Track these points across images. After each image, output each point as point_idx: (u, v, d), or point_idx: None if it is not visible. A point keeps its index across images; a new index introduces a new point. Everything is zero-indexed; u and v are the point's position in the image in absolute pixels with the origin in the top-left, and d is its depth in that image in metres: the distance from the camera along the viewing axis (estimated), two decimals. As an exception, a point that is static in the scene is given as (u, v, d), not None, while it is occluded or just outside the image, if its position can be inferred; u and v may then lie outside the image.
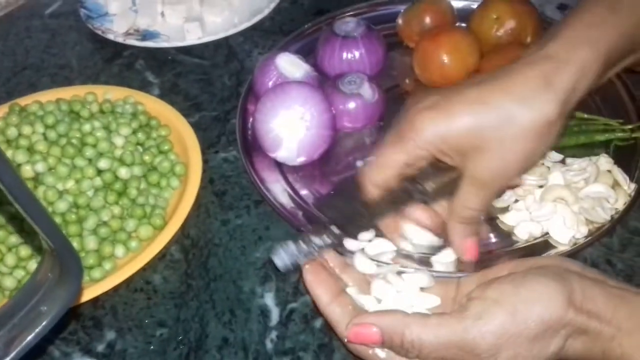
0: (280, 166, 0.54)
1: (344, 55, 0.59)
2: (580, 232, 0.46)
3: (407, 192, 0.44)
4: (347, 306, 0.39)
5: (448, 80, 0.58)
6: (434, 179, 0.44)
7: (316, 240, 0.42)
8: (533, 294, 0.35)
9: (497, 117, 0.39)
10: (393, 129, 0.44)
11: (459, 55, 0.58)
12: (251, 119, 0.57)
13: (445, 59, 0.57)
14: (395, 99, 0.59)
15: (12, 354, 0.28)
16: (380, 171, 0.43)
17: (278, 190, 0.52)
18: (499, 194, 0.43)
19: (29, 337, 0.29)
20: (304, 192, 0.52)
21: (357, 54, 0.59)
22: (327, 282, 0.40)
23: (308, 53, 0.62)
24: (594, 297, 0.35)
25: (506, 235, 0.48)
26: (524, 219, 0.48)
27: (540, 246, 0.47)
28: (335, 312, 0.39)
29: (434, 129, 0.40)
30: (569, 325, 0.35)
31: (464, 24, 0.63)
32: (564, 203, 0.47)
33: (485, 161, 0.40)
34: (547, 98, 0.39)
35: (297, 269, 0.42)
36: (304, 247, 0.42)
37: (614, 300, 0.36)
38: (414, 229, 0.45)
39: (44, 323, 0.29)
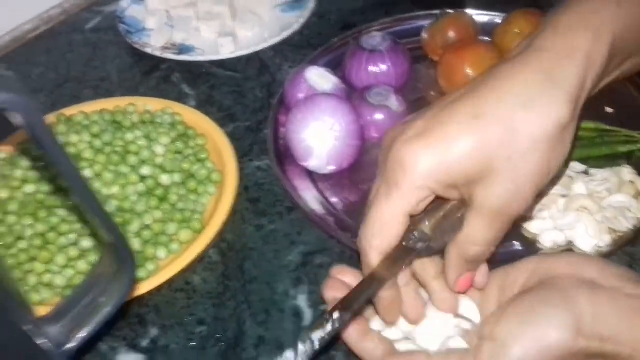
0: (311, 174, 0.57)
1: (371, 68, 0.62)
2: (603, 241, 0.48)
3: (404, 246, 0.37)
4: (375, 340, 0.39)
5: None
6: (429, 217, 0.37)
7: (317, 335, 0.36)
8: (540, 330, 0.34)
9: (499, 130, 0.33)
10: (379, 177, 0.37)
11: (483, 68, 0.60)
12: (283, 130, 0.60)
13: (470, 71, 0.60)
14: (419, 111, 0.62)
15: (75, 341, 0.31)
16: (383, 234, 0.36)
17: (309, 197, 0.55)
18: (512, 225, 0.36)
19: (90, 326, 0.31)
20: (334, 199, 0.55)
21: (383, 67, 0.62)
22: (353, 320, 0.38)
23: (336, 66, 0.64)
24: (605, 319, 0.34)
25: (531, 243, 0.50)
26: (548, 227, 0.50)
27: (564, 253, 0.49)
28: (365, 349, 0.38)
29: (429, 161, 0.34)
30: (581, 354, 0.34)
31: (487, 38, 0.66)
32: (587, 212, 0.49)
33: (494, 186, 0.34)
34: (554, 98, 0.33)
35: None
36: (306, 347, 0.36)
37: (628, 318, 0.34)
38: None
39: (103, 313, 0.32)
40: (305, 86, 0.60)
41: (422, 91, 0.65)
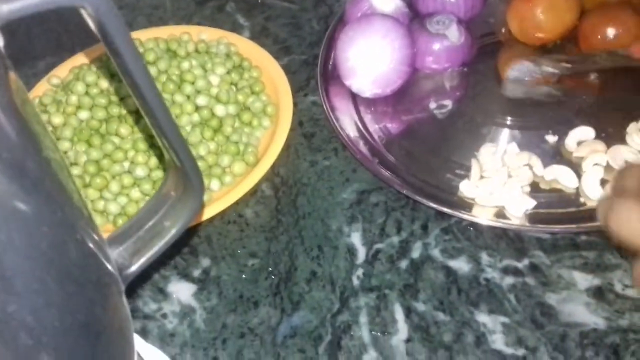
0: (354, 98, 0.55)
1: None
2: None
3: None
4: None
5: (544, 38, 0.56)
6: None
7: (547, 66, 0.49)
8: None
9: None
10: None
11: (556, 13, 0.55)
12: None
13: (541, 16, 0.55)
14: (486, 47, 0.58)
15: (137, 265, 0.30)
16: None
17: (347, 122, 0.53)
18: None
19: (154, 249, 0.31)
20: (374, 126, 0.53)
21: (453, -6, 0.58)
22: None
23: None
24: None
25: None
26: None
27: None
28: None
29: None
30: None
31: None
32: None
33: None
34: None
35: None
36: (535, 67, 0.49)
37: None
38: None
39: (167, 237, 0.31)
40: (366, 5, 0.57)
41: (493, 27, 0.60)
